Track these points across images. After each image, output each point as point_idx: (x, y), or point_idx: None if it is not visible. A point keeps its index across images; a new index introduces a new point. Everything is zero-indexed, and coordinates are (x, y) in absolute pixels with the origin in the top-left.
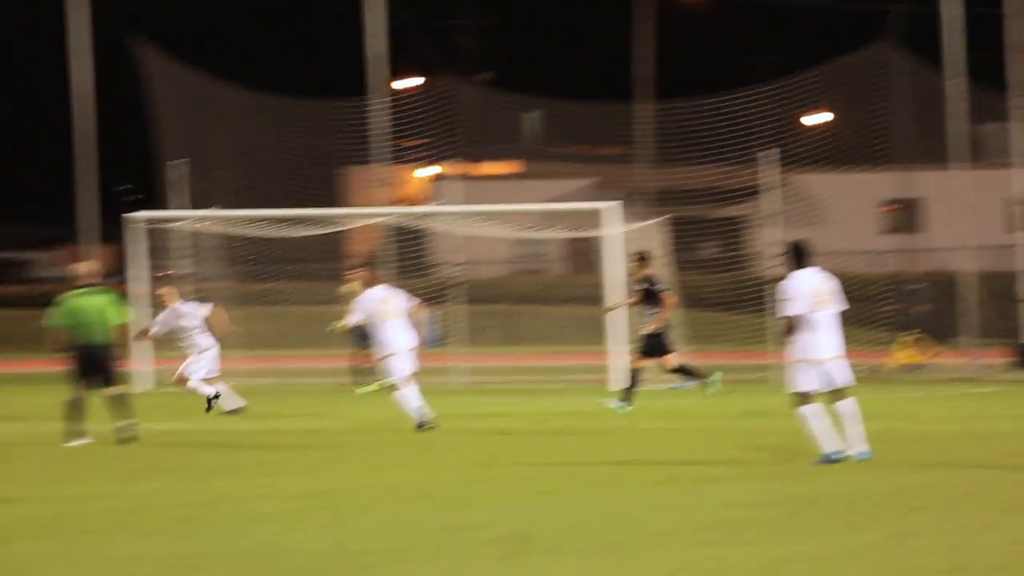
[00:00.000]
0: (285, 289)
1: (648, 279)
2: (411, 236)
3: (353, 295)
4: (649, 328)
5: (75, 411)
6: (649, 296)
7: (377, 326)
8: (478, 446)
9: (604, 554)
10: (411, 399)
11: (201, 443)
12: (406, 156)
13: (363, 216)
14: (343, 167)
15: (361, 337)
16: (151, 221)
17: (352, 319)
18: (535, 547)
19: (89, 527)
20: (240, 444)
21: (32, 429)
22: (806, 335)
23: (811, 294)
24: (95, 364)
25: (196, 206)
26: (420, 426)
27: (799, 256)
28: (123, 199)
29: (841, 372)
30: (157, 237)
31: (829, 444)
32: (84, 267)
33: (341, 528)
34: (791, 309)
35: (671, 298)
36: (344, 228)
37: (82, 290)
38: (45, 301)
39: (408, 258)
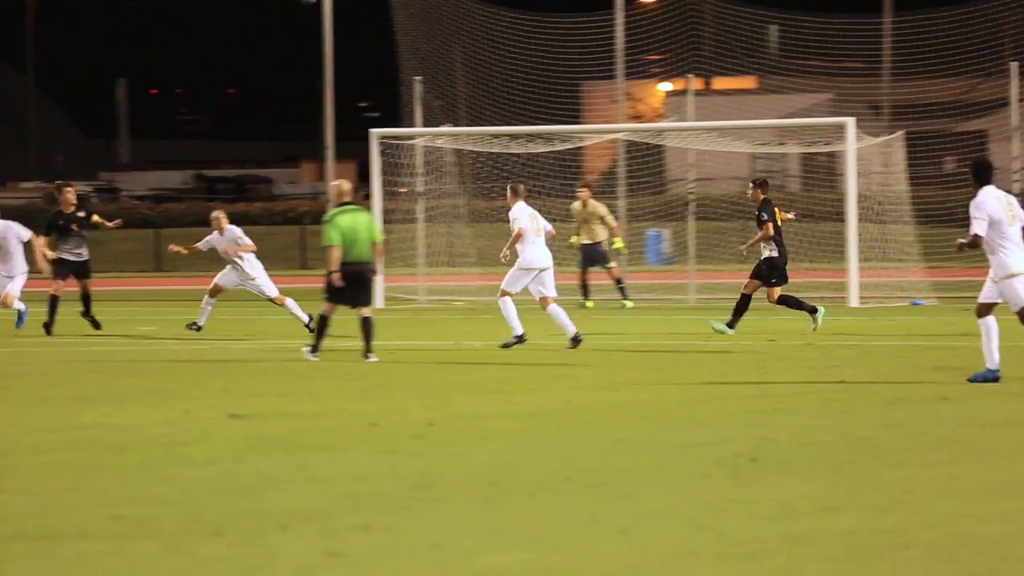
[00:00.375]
0: None
1: (761, 205)
2: (646, 152)
3: (580, 212)
4: (765, 254)
5: (324, 326)
6: (760, 224)
7: (524, 241)
8: (707, 364)
9: (834, 474)
10: (510, 313)
11: (434, 360)
12: (643, 71)
13: (598, 132)
14: (580, 83)
15: (590, 254)
16: (389, 138)
17: (514, 226)
18: (764, 466)
19: (324, 444)
20: (471, 361)
21: (269, 346)
22: (998, 250)
23: (1001, 210)
24: (359, 282)
25: (433, 123)
26: (507, 347)
27: (984, 173)
28: (362, 116)
29: None
30: (394, 153)
31: (990, 360)
32: (346, 184)
33: (569, 447)
34: (980, 227)
35: (768, 230)
36: (580, 144)
37: (347, 207)
38: (286, 218)
39: (643, 174)
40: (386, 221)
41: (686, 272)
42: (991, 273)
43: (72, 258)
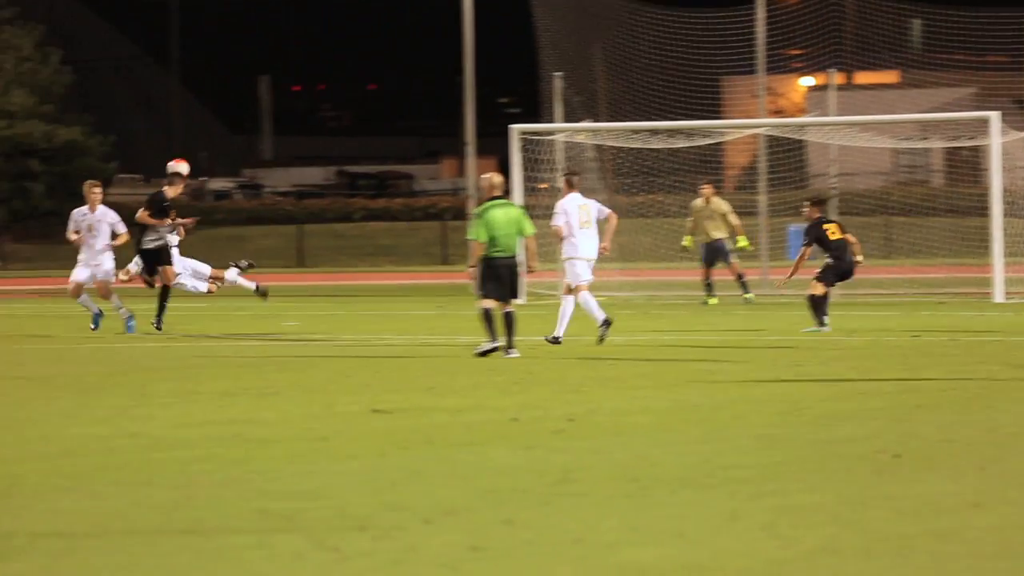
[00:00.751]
0: (661, 201)
1: (808, 226)
2: (787, 147)
3: (702, 209)
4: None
5: (491, 321)
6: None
7: (572, 230)
8: (849, 360)
9: (979, 471)
10: (586, 305)
11: (574, 355)
12: (784, 66)
13: (739, 128)
14: (721, 77)
15: (711, 251)
16: (530, 133)
17: (554, 221)
18: (908, 462)
19: (466, 439)
20: (612, 357)
21: (416, 341)
22: None
23: None
24: (506, 277)
25: (573, 118)
26: (602, 340)
27: None
28: (503, 112)
29: None
30: (534, 149)
31: None
32: (497, 178)
33: (711, 442)
34: None
35: (802, 255)
36: (721, 140)
37: (496, 202)
38: (426, 214)
39: (784, 170)
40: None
41: None
42: None
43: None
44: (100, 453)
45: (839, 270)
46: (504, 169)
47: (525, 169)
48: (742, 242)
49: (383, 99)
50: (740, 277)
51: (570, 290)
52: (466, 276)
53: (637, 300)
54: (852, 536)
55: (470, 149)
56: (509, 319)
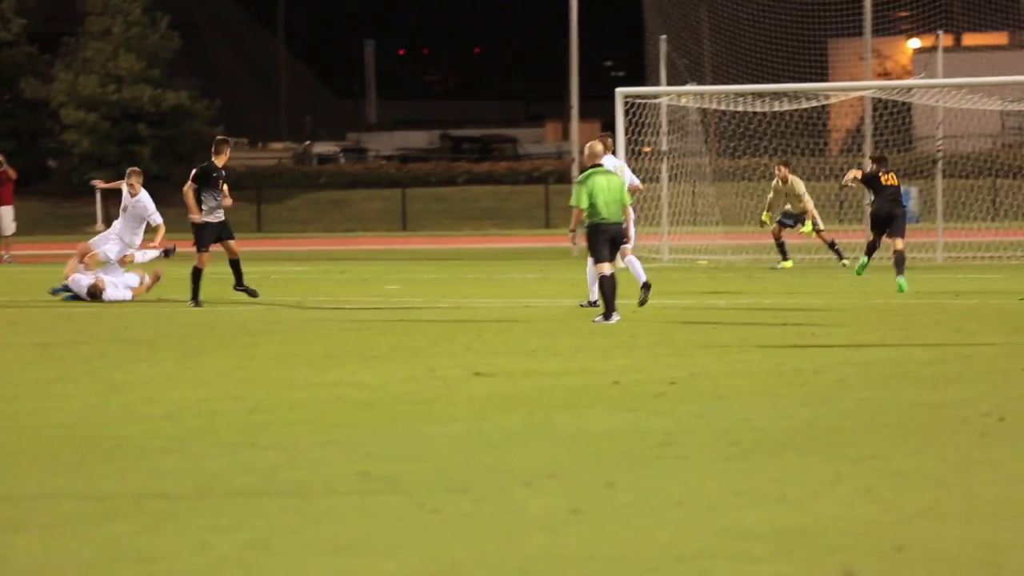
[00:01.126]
0: (765, 165)
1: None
2: (893, 110)
3: (781, 188)
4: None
5: (606, 286)
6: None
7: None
8: (953, 323)
9: None
10: (590, 273)
11: (676, 319)
12: (892, 28)
13: (845, 90)
14: (827, 40)
15: (787, 216)
16: (634, 96)
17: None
18: (1012, 425)
19: (567, 402)
20: (713, 320)
21: (513, 305)
22: None
23: None
24: (610, 242)
25: (677, 81)
26: (591, 303)
27: None
28: (607, 75)
29: None
30: (638, 112)
31: None
32: (599, 146)
33: (813, 406)
34: None
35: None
36: (826, 102)
37: (599, 169)
38: (530, 177)
39: (889, 132)
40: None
41: (934, 230)
42: None
43: (214, 220)
44: (203, 415)
45: (877, 215)
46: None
47: (629, 133)
48: (807, 228)
49: (488, 63)
50: (832, 244)
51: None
52: (567, 240)
53: (740, 264)
54: (955, 500)
55: (574, 112)
56: (608, 283)
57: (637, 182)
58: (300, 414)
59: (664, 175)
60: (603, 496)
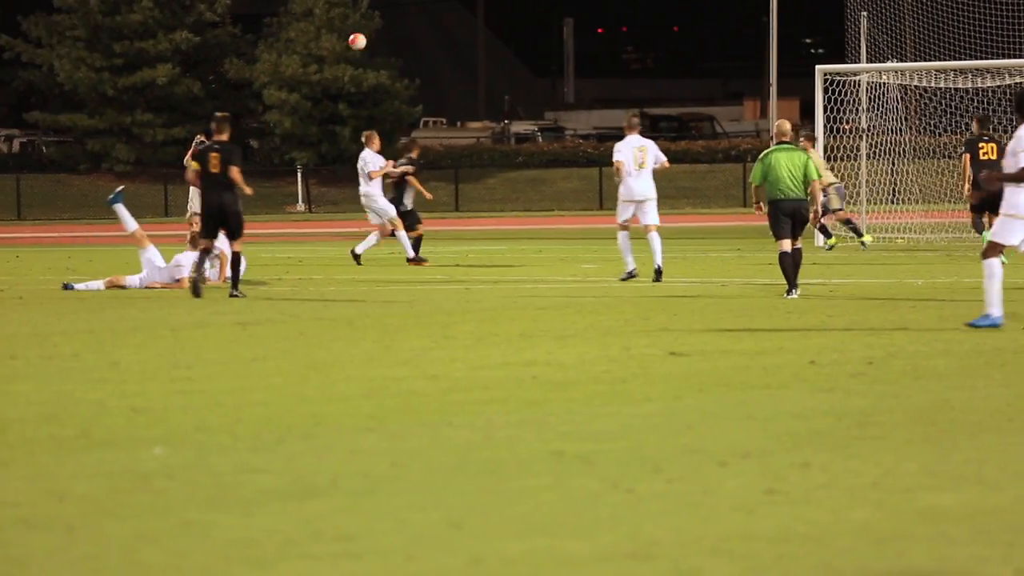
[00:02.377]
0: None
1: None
2: None
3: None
4: None
5: (786, 264)
6: None
7: (622, 174)
8: None
9: None
10: (622, 245)
11: (874, 298)
12: None
13: None
14: None
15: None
16: (834, 74)
17: (615, 158)
18: None
19: (762, 381)
20: (912, 299)
21: (709, 283)
22: None
23: None
24: (790, 218)
25: (877, 58)
26: (629, 275)
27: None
28: (807, 52)
29: None
30: (838, 90)
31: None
32: (786, 125)
33: (1013, 386)
34: None
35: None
36: None
37: (781, 147)
38: (727, 156)
39: None
40: (829, 159)
41: None
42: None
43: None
44: (401, 394)
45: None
46: (807, 111)
47: (828, 110)
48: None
49: (686, 40)
50: (850, 223)
51: (623, 227)
52: (756, 218)
53: (939, 242)
54: None
55: (773, 90)
56: (794, 258)
57: (664, 159)
58: (495, 393)
59: (863, 152)
60: (798, 476)
